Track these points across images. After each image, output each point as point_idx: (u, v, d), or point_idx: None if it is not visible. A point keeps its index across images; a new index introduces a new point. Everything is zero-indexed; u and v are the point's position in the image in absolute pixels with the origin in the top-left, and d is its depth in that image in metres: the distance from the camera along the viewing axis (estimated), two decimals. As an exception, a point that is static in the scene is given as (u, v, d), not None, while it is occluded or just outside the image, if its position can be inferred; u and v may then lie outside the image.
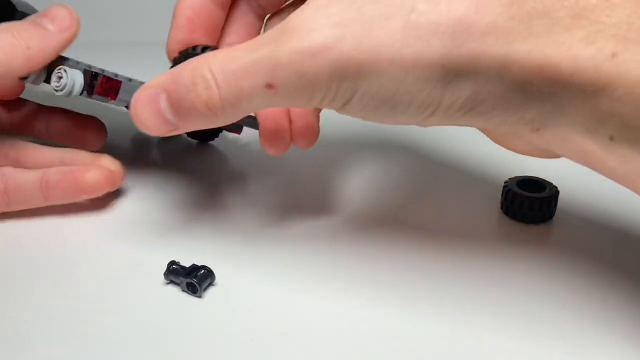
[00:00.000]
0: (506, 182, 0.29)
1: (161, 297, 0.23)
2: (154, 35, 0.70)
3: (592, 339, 0.21)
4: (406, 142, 0.38)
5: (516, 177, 0.29)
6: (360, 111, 0.20)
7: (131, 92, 0.26)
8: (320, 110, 0.27)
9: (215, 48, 0.25)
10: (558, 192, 0.28)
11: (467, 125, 0.21)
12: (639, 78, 0.16)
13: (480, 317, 0.22)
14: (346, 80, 0.19)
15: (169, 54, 0.27)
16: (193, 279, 0.23)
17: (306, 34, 0.19)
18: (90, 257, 0.26)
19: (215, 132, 0.36)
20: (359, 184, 0.32)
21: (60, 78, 0.27)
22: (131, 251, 0.26)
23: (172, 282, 0.24)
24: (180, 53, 0.25)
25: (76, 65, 0.29)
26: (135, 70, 0.57)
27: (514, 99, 0.18)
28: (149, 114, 0.21)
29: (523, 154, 0.23)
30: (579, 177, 0.31)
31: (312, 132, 0.26)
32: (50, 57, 0.27)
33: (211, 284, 0.24)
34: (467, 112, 0.19)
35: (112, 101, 0.29)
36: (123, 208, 0.30)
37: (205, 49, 0.24)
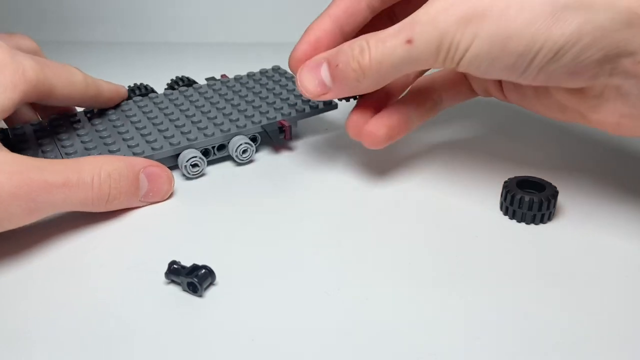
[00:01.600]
0: (506, 182, 0.29)
1: (161, 296, 0.23)
2: (155, 35, 0.70)
3: (591, 341, 0.21)
4: (406, 142, 0.38)
5: (516, 177, 0.29)
6: (476, 57, 0.24)
7: None
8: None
9: None
10: (557, 192, 0.28)
11: (563, 82, 0.24)
12: None
13: (478, 318, 0.22)
14: (470, 24, 0.23)
15: (291, 64, 0.31)
16: (193, 278, 0.23)
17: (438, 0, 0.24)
18: (90, 257, 0.26)
19: None
20: (359, 185, 0.32)
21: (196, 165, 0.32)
22: (131, 251, 0.26)
23: (172, 281, 0.24)
24: None
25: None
26: (135, 70, 0.57)
27: (618, 34, 0.21)
28: (310, 77, 0.28)
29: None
30: (578, 177, 0.31)
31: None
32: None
33: (211, 284, 0.24)
34: (567, 53, 0.22)
35: None
36: (123, 208, 0.30)
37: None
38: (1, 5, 0.72)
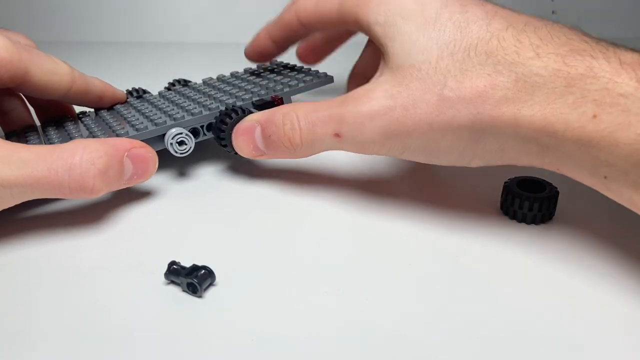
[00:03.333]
0: (506, 182, 0.29)
1: (161, 297, 0.23)
2: (155, 35, 0.70)
3: (592, 341, 0.21)
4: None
5: (516, 177, 0.29)
6: (413, 159, 0.27)
7: None
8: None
9: (243, 111, 0.31)
10: (558, 192, 0.28)
11: (507, 164, 0.25)
12: (614, 133, 0.20)
13: (479, 318, 0.22)
14: (396, 139, 0.25)
15: (248, 52, 0.40)
16: (193, 279, 0.23)
17: (367, 101, 0.26)
18: (90, 257, 0.26)
19: None
20: (358, 184, 0.32)
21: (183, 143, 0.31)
22: (131, 251, 0.26)
23: (172, 282, 0.24)
24: (220, 113, 0.32)
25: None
26: (135, 70, 0.57)
27: (531, 149, 0.23)
28: (245, 141, 0.30)
29: None
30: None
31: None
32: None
33: (211, 284, 0.24)
34: (500, 157, 0.25)
35: None
36: (123, 208, 0.30)
37: (243, 111, 0.31)
38: (1, 5, 0.72)
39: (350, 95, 0.27)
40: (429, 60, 0.24)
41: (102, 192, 0.26)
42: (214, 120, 0.32)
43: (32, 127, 0.35)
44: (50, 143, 0.31)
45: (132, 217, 0.29)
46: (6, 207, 0.25)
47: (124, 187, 0.28)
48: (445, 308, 0.22)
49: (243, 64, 0.42)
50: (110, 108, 0.36)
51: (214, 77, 0.41)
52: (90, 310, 0.23)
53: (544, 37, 0.23)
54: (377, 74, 0.27)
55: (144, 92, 0.40)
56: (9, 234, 0.27)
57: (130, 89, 0.40)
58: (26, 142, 0.32)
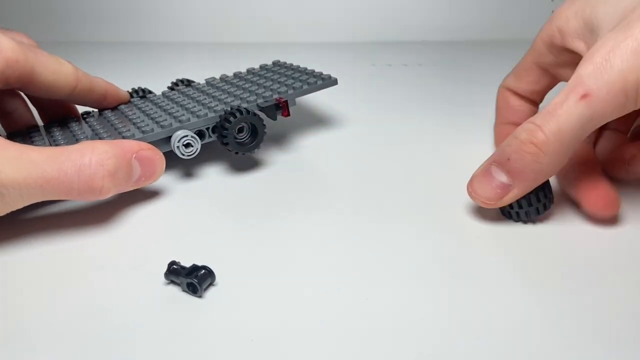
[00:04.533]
0: None
1: (161, 297, 0.23)
2: (154, 35, 0.70)
3: (591, 340, 0.21)
4: (405, 143, 0.38)
5: None
6: None
7: None
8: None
9: (247, 112, 0.31)
10: (547, 181, 0.27)
11: None
12: None
13: (479, 318, 0.22)
14: None
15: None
16: (193, 278, 0.23)
17: (599, 49, 0.23)
18: (89, 258, 0.26)
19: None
20: (358, 184, 0.32)
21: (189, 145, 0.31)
22: (131, 251, 0.26)
23: (172, 282, 0.24)
24: (224, 112, 0.32)
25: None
26: (134, 70, 0.57)
27: None
28: (484, 184, 0.26)
29: None
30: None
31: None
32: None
33: (211, 284, 0.24)
34: None
35: None
36: (123, 208, 0.30)
37: (247, 112, 0.31)
38: (1, 5, 0.72)
39: (580, 64, 0.24)
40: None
41: (110, 193, 0.27)
42: (218, 120, 0.32)
43: (35, 128, 0.35)
44: (56, 143, 0.31)
45: (132, 217, 0.29)
46: (15, 208, 0.25)
47: (132, 188, 0.29)
48: (445, 308, 0.22)
49: (244, 64, 0.42)
50: (114, 108, 0.37)
51: (217, 77, 0.41)
52: (91, 310, 0.23)
53: None
54: (592, 46, 0.24)
55: (148, 92, 0.40)
56: (10, 234, 0.27)
57: (134, 89, 0.40)
58: (32, 143, 0.32)
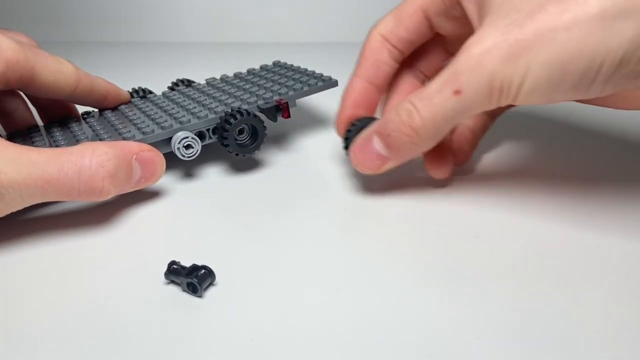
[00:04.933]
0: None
1: (161, 297, 0.23)
2: (155, 35, 0.70)
3: (591, 340, 0.21)
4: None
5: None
6: (534, 89, 0.23)
7: None
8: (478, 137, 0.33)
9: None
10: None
11: (632, 85, 0.23)
12: None
13: (479, 318, 0.22)
14: (518, 59, 0.23)
15: (337, 128, 0.32)
16: (193, 278, 0.23)
17: (478, 43, 0.24)
18: (89, 258, 0.26)
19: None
20: (360, 185, 0.32)
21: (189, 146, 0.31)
22: (131, 251, 0.26)
23: (172, 281, 0.24)
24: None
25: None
26: (134, 70, 0.57)
27: None
28: (365, 153, 0.28)
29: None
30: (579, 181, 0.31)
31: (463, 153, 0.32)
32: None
33: (211, 284, 0.24)
34: (630, 59, 0.22)
35: None
36: (123, 208, 0.30)
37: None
38: (0, 5, 0.72)
39: (455, 58, 0.25)
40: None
41: (110, 194, 0.27)
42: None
43: (35, 128, 0.35)
44: (56, 144, 0.31)
45: (132, 217, 0.29)
46: (15, 209, 0.25)
47: (132, 189, 0.29)
48: (445, 308, 0.22)
49: (244, 64, 0.42)
50: (114, 109, 0.36)
51: (217, 77, 0.41)
52: (91, 310, 0.23)
53: None
54: (476, 31, 0.25)
55: (144, 91, 0.40)
56: (10, 234, 0.27)
57: (134, 89, 0.40)
58: (32, 143, 0.32)
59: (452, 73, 0.24)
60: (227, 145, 0.31)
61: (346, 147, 0.30)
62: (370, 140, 0.28)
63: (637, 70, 0.22)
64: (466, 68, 0.24)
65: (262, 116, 0.33)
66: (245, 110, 0.31)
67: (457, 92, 0.24)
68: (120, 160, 0.27)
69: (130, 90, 0.40)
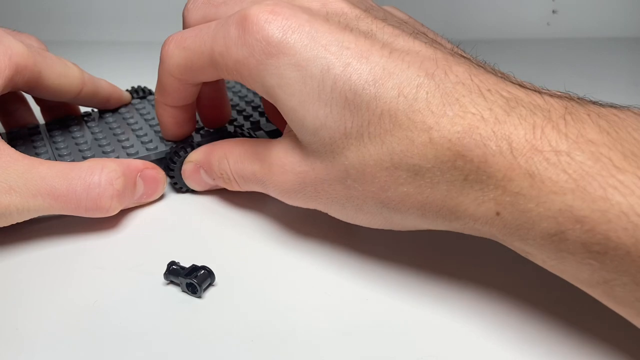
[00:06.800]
0: None
1: (161, 297, 0.23)
2: (154, 35, 0.70)
3: (591, 339, 0.21)
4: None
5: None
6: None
7: None
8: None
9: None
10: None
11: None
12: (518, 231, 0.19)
13: (479, 318, 0.22)
14: (315, 204, 0.25)
15: (169, 138, 0.31)
16: (193, 279, 0.23)
17: (281, 174, 0.25)
18: (90, 257, 0.26)
19: None
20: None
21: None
22: (130, 252, 0.26)
23: (172, 282, 0.24)
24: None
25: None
26: (134, 70, 0.57)
27: (450, 225, 0.21)
28: (194, 180, 0.30)
29: None
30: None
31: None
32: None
33: (211, 284, 0.24)
34: (418, 226, 0.23)
35: None
36: (123, 209, 0.30)
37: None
38: (1, 5, 0.72)
39: (269, 157, 0.25)
40: (323, 143, 0.22)
41: (116, 212, 0.27)
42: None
43: (35, 128, 0.35)
44: (57, 148, 0.32)
45: (132, 217, 0.29)
46: (20, 220, 0.26)
47: (133, 205, 0.29)
48: (445, 308, 0.22)
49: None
50: (114, 111, 0.37)
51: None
52: (90, 310, 0.23)
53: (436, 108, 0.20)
54: (286, 128, 0.25)
55: (144, 91, 0.40)
56: (10, 234, 0.27)
57: (134, 88, 0.40)
58: (33, 147, 0.32)
59: (262, 182, 0.26)
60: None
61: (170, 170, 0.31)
62: (197, 170, 0.30)
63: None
64: (270, 189, 0.26)
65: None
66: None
67: (264, 191, 0.27)
68: (127, 178, 0.27)
69: (130, 89, 0.40)
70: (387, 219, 0.23)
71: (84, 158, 0.30)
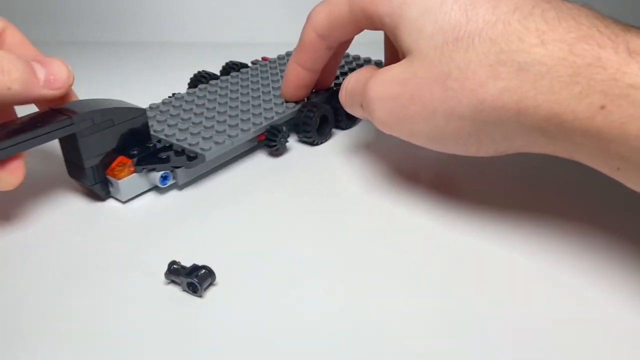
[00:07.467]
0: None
1: (161, 297, 0.23)
2: (154, 35, 0.70)
3: (589, 339, 0.21)
4: (407, 145, 0.38)
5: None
6: (420, 144, 0.27)
7: None
8: None
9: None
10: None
11: (516, 152, 0.25)
12: (624, 125, 0.20)
13: (479, 318, 0.22)
14: (403, 123, 0.26)
15: (285, 92, 0.37)
16: (193, 278, 0.23)
17: (382, 83, 0.26)
18: (90, 257, 0.26)
19: None
20: (360, 185, 0.32)
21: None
22: (131, 251, 0.26)
23: (172, 281, 0.24)
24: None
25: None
26: (134, 70, 0.57)
27: (538, 139, 0.23)
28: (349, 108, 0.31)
29: None
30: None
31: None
32: (24, 102, 0.28)
33: (211, 284, 0.24)
34: (507, 146, 0.24)
35: None
36: (123, 208, 0.30)
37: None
38: (2, 5, 0.72)
39: (376, 72, 0.27)
40: (434, 46, 0.24)
41: (17, 90, 0.26)
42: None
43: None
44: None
45: (132, 217, 0.29)
46: None
47: (48, 93, 0.28)
48: (445, 308, 0.22)
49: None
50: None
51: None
52: (91, 310, 0.23)
53: (551, 21, 0.22)
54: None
55: (242, 66, 0.43)
56: (10, 234, 0.28)
57: (227, 64, 0.43)
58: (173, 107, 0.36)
59: (364, 91, 0.27)
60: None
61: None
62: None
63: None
64: (368, 98, 0.27)
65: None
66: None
67: (362, 107, 0.28)
68: (17, 59, 0.27)
69: (224, 65, 0.43)
70: (475, 128, 0.24)
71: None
